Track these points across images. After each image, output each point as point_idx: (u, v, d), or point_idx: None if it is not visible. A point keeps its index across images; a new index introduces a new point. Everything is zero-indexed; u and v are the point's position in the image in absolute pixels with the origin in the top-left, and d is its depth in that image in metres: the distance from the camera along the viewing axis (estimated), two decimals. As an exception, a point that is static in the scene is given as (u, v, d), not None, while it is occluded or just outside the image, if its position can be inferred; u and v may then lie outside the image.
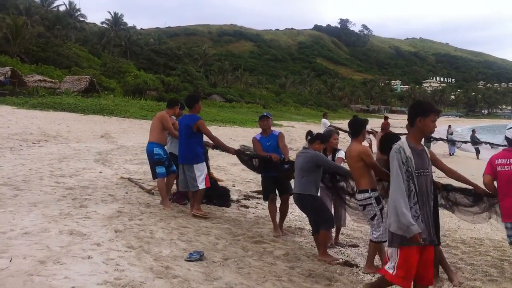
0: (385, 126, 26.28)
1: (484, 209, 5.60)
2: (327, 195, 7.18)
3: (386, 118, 27.67)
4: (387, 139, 5.61)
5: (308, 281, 5.48)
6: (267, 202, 7.95)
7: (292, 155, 7.89)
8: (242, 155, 8.40)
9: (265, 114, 8.25)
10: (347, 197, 6.80)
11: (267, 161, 7.63)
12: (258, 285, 5.11)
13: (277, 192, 7.85)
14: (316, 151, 6.73)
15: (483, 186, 5.56)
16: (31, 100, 32.53)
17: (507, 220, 5.24)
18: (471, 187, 5.56)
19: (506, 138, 5.38)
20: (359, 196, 5.93)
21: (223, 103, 67.07)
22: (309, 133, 7.06)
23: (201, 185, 8.02)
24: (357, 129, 6.13)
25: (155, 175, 8.68)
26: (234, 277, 5.21)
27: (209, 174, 11.30)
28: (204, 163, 8.22)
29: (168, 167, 8.74)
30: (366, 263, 6.13)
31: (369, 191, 5.84)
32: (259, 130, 8.19)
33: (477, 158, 25.02)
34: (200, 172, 8.03)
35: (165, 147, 8.94)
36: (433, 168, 4.84)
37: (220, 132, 27.50)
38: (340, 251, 7.04)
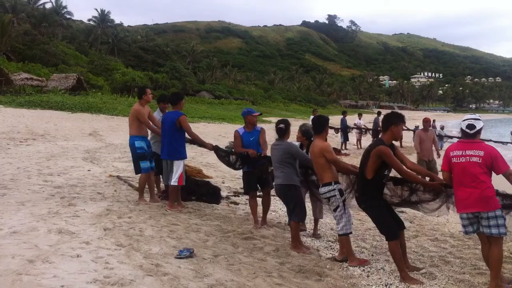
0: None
1: (443, 201, 5.77)
2: (303, 188, 7.27)
3: (379, 113, 27.84)
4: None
5: (298, 277, 5.49)
6: (257, 199, 8.02)
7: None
8: (220, 151, 8.53)
9: (250, 110, 8.21)
10: (317, 191, 6.90)
11: (244, 157, 7.77)
12: (249, 281, 5.10)
13: (258, 187, 7.94)
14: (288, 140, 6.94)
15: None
16: (18, 99, 32.26)
17: (462, 210, 5.33)
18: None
19: (462, 130, 5.46)
20: (323, 189, 6.23)
21: (211, 100, 66.93)
22: (280, 128, 7.04)
23: (174, 182, 8.14)
24: (319, 127, 6.42)
25: (138, 170, 8.61)
26: (224, 273, 5.21)
27: (199, 171, 11.40)
28: (183, 161, 8.27)
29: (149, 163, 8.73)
30: (348, 258, 6.21)
31: (332, 184, 6.16)
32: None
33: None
34: (176, 168, 8.14)
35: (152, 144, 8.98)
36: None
37: (209, 129, 27.46)
38: (330, 246, 7.05)
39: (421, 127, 13.14)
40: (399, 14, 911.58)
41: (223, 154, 8.51)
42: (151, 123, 8.63)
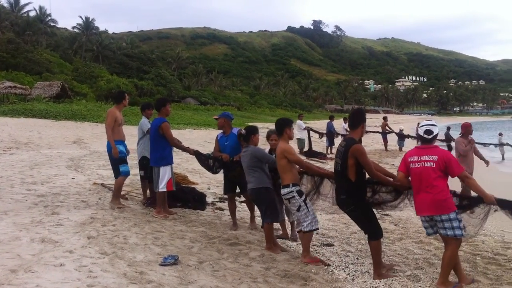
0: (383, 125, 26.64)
1: (403, 199, 5.93)
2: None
3: (385, 118, 27.96)
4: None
5: (283, 282, 5.49)
6: (243, 204, 8.13)
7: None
8: (201, 155, 8.61)
9: (222, 114, 8.44)
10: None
11: (219, 161, 8.03)
12: (234, 287, 5.10)
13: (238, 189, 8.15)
14: (255, 145, 7.06)
15: None
16: (1, 107, 31.88)
17: (418, 214, 5.56)
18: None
19: (419, 136, 5.66)
20: (283, 190, 6.39)
21: (197, 106, 66.73)
22: (240, 134, 7.33)
23: (162, 188, 8.19)
24: (279, 129, 6.54)
25: (117, 173, 8.65)
26: (209, 280, 5.19)
27: (185, 178, 11.37)
28: (169, 167, 8.29)
29: None
30: (302, 253, 6.37)
31: (290, 186, 6.32)
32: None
33: (450, 154, 25.33)
34: (163, 174, 8.19)
35: (138, 149, 9.11)
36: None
37: (195, 135, 27.44)
38: (316, 250, 7.06)
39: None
40: (384, 19, 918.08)
41: (203, 158, 8.63)
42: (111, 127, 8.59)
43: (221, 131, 8.25)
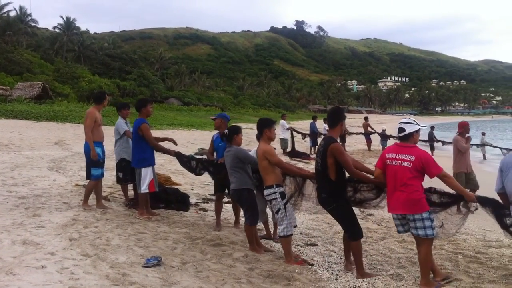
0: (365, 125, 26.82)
1: (384, 197, 5.93)
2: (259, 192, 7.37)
3: (366, 118, 28.11)
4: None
5: (267, 282, 5.49)
6: (227, 205, 8.13)
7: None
8: (182, 157, 8.60)
9: (218, 114, 8.55)
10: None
11: (203, 163, 8.23)
12: (217, 287, 5.09)
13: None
14: (238, 146, 7.05)
15: None
16: (-18, 108, 31.54)
17: (390, 211, 5.61)
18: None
19: (400, 133, 5.66)
20: (266, 191, 6.37)
21: (180, 107, 66.50)
22: (223, 134, 7.36)
23: (144, 189, 8.16)
24: (259, 130, 6.57)
25: (89, 176, 8.55)
26: (192, 281, 5.18)
27: (168, 178, 11.33)
28: (151, 168, 8.25)
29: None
30: (285, 257, 6.35)
31: (274, 187, 6.30)
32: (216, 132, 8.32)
33: (431, 154, 25.60)
34: (144, 175, 8.16)
35: (116, 150, 9.07)
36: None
37: (178, 135, 27.32)
38: (299, 250, 7.07)
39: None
40: (366, 20, 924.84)
41: (185, 160, 8.60)
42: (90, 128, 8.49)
43: (217, 131, 8.27)
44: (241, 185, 6.83)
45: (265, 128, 6.49)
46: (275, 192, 6.27)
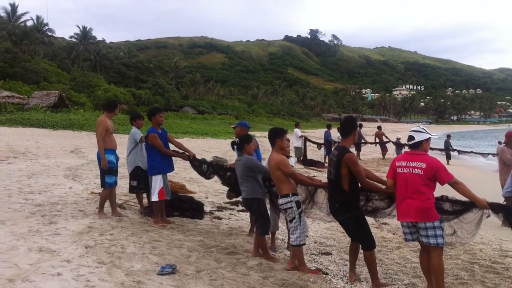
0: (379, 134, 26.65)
1: (396, 207, 5.87)
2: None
3: (379, 128, 27.99)
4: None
5: (281, 291, 5.47)
6: (241, 213, 8.16)
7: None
8: (194, 161, 8.75)
9: (239, 123, 8.77)
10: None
11: (213, 167, 8.63)
12: (231, 296, 5.09)
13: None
14: (249, 154, 7.06)
15: None
16: (-1, 117, 31.93)
17: (401, 219, 5.56)
18: None
19: (409, 142, 5.64)
20: (281, 200, 6.31)
21: (195, 115, 66.85)
22: (233, 142, 7.41)
23: (154, 198, 8.24)
24: (271, 140, 6.54)
25: (103, 184, 8.63)
26: (207, 289, 5.18)
27: (182, 187, 11.37)
28: (160, 176, 8.31)
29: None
30: (299, 266, 6.28)
31: (290, 196, 6.24)
32: (230, 141, 8.43)
33: (447, 163, 25.38)
34: (154, 184, 8.26)
35: (130, 159, 9.09)
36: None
37: (193, 144, 27.40)
38: (314, 259, 7.05)
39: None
40: (380, 28, 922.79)
41: (196, 164, 8.78)
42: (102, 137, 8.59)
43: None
44: (251, 195, 6.85)
45: (277, 138, 6.46)
46: (291, 201, 6.22)
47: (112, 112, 8.91)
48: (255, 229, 6.97)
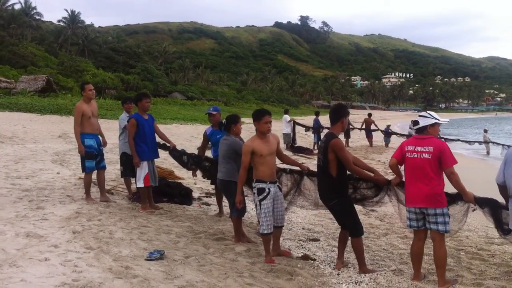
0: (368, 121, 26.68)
1: (383, 195, 6.03)
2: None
3: (369, 115, 28.00)
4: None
5: (269, 276, 5.50)
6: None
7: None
8: (174, 152, 8.82)
9: (211, 110, 8.57)
10: None
11: (193, 158, 8.55)
12: (220, 281, 5.10)
13: None
14: (237, 135, 7.07)
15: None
16: (-15, 101, 31.57)
17: (411, 205, 5.52)
18: None
19: (414, 126, 5.70)
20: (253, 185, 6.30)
21: (184, 101, 66.47)
22: (220, 123, 7.57)
23: (140, 184, 8.20)
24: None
25: (84, 168, 8.53)
26: (195, 274, 5.20)
27: (171, 172, 11.34)
28: (145, 162, 8.24)
29: (98, 162, 8.64)
30: (265, 255, 6.18)
31: (254, 181, 6.21)
32: None
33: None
34: (139, 170, 8.22)
35: (119, 145, 9.13)
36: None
37: (182, 130, 27.37)
38: (302, 245, 7.09)
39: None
40: (371, 16, 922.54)
41: (177, 154, 8.82)
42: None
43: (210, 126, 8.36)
44: (229, 177, 6.80)
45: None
46: (254, 187, 6.18)
47: (84, 95, 8.65)
48: (231, 213, 6.89)
